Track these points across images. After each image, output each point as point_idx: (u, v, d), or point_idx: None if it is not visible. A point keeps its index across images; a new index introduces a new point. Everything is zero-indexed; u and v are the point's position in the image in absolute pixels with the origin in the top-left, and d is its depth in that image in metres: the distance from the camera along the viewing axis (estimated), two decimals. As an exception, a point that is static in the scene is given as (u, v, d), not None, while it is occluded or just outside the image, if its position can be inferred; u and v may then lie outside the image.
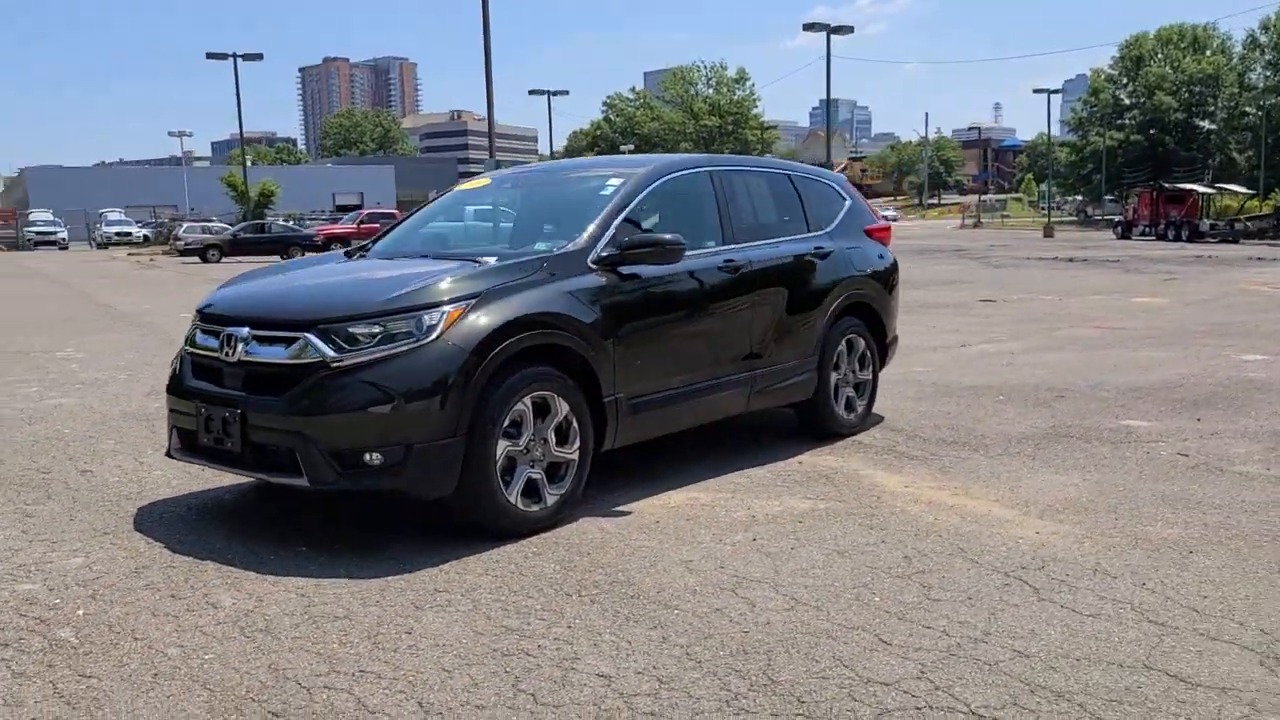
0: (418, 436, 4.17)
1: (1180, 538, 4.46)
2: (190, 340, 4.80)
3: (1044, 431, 6.58)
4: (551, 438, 4.66)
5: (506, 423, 4.43)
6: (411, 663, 3.29)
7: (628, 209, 5.24)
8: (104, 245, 59.37)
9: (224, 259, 39.85)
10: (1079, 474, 5.56)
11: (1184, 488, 5.25)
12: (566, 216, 5.39)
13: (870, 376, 6.71)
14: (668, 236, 5.04)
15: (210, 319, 4.71)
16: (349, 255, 5.81)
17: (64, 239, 58.82)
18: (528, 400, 4.51)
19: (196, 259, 40.30)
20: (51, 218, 62.58)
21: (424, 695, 3.07)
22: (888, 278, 6.93)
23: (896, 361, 8.06)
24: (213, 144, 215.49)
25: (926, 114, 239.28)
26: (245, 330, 4.45)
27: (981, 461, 5.84)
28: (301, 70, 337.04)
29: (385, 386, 4.16)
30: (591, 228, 5.07)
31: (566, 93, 64.07)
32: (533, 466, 4.59)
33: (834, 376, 6.39)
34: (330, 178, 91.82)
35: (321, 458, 4.17)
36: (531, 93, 62.39)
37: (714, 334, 5.51)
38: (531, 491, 4.58)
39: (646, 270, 5.11)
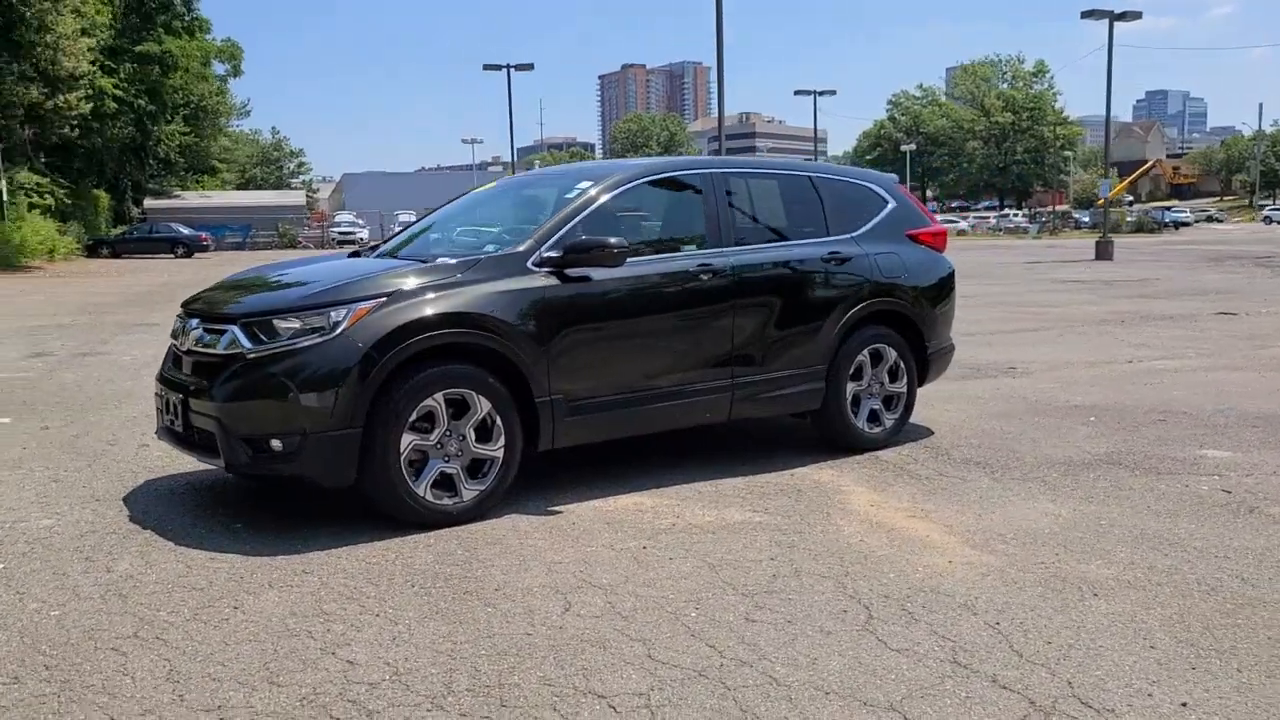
0: (312, 426, 4.44)
1: (1101, 579, 4.02)
2: (173, 330, 5.30)
3: (1091, 458, 6.02)
4: (471, 435, 4.79)
5: (415, 417, 4.61)
6: (204, 634, 3.55)
7: (585, 213, 5.29)
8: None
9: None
10: (1076, 504, 5.07)
11: (1176, 527, 4.69)
12: (529, 220, 5.50)
13: (904, 389, 6.36)
14: (611, 240, 5.05)
15: (183, 311, 5.18)
16: (353, 255, 6.19)
17: (364, 239, 64.36)
18: (439, 397, 4.67)
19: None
20: (353, 219, 68.71)
21: (181, 663, 3.31)
22: (934, 285, 6.55)
23: (1020, 374, 7.55)
24: (518, 150, 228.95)
25: (1261, 105, 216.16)
26: (195, 322, 4.89)
27: (982, 486, 5.44)
28: (601, 78, 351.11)
29: (286, 378, 4.46)
30: (537, 230, 5.16)
31: (833, 92, 63.24)
32: (447, 461, 4.74)
33: (851, 387, 6.12)
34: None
35: (235, 442, 4.52)
36: (797, 93, 62.18)
37: (681, 338, 5.45)
38: (446, 485, 4.73)
39: (599, 273, 5.14)
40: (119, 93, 46.64)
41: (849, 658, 3.31)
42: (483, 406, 4.79)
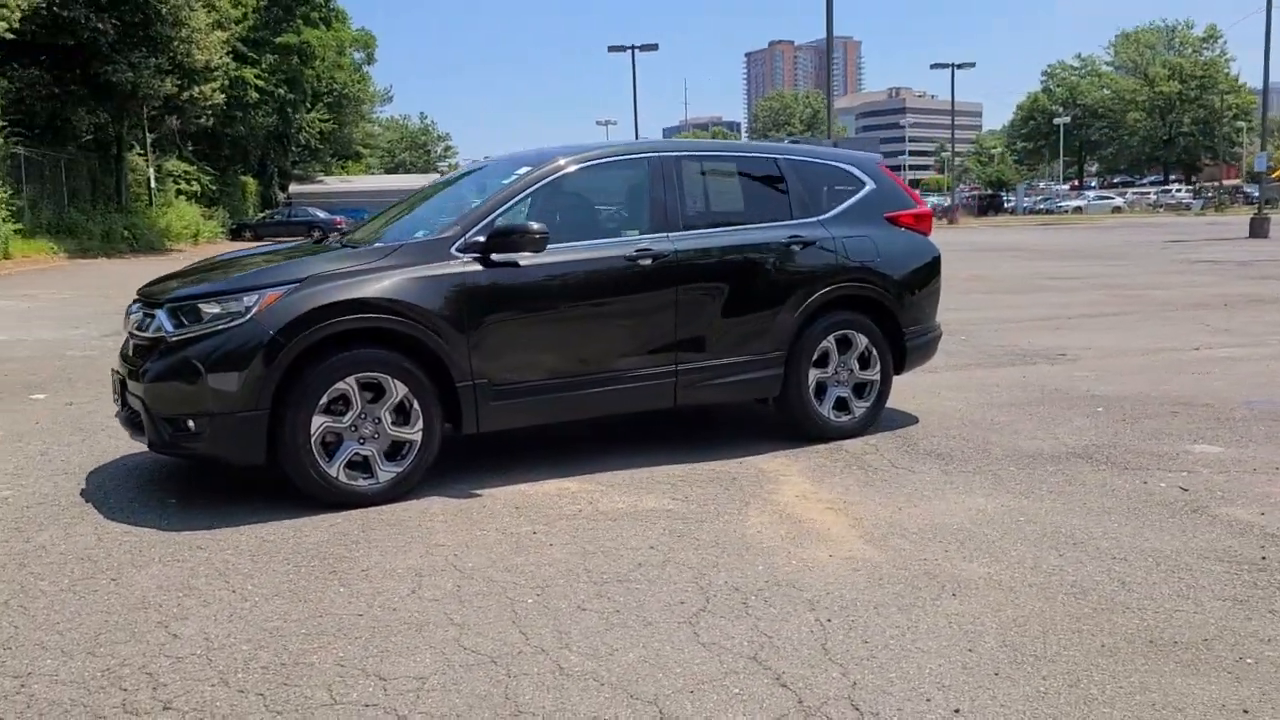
0: (220, 407, 4.62)
1: (972, 578, 3.86)
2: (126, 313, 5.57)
3: (1064, 451, 5.74)
4: (387, 418, 4.90)
5: (327, 400, 4.74)
6: (66, 604, 3.75)
7: (514, 199, 5.32)
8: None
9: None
10: (1010, 500, 4.86)
11: (1096, 525, 4.45)
12: (465, 205, 5.54)
13: (876, 377, 6.18)
14: (533, 225, 5.07)
15: (136, 295, 5.44)
16: (316, 241, 6.37)
17: None
18: (352, 380, 4.79)
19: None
20: None
21: (25, 632, 3.51)
22: (913, 269, 6.33)
23: (1063, 361, 7.26)
24: (664, 130, 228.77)
25: None
26: (137, 306, 5.14)
27: (928, 478, 5.26)
28: (747, 55, 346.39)
29: (199, 360, 4.64)
30: (462, 216, 5.23)
31: (972, 64, 61.03)
32: (363, 444, 4.86)
33: (815, 374, 5.99)
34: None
35: (159, 422, 4.75)
36: (933, 66, 60.40)
37: (617, 324, 5.43)
38: (362, 467, 4.86)
39: (527, 259, 5.17)
40: (260, 83, 48.84)
41: (649, 650, 3.28)
42: (398, 390, 4.89)
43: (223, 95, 34.50)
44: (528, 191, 5.39)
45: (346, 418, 4.82)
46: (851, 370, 6.15)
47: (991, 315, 12.34)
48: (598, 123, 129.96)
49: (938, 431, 6.26)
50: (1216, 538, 4.28)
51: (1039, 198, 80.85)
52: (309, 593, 3.82)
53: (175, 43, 29.57)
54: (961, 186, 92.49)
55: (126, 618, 3.61)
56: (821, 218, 6.10)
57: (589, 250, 5.43)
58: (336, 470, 4.79)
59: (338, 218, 53.49)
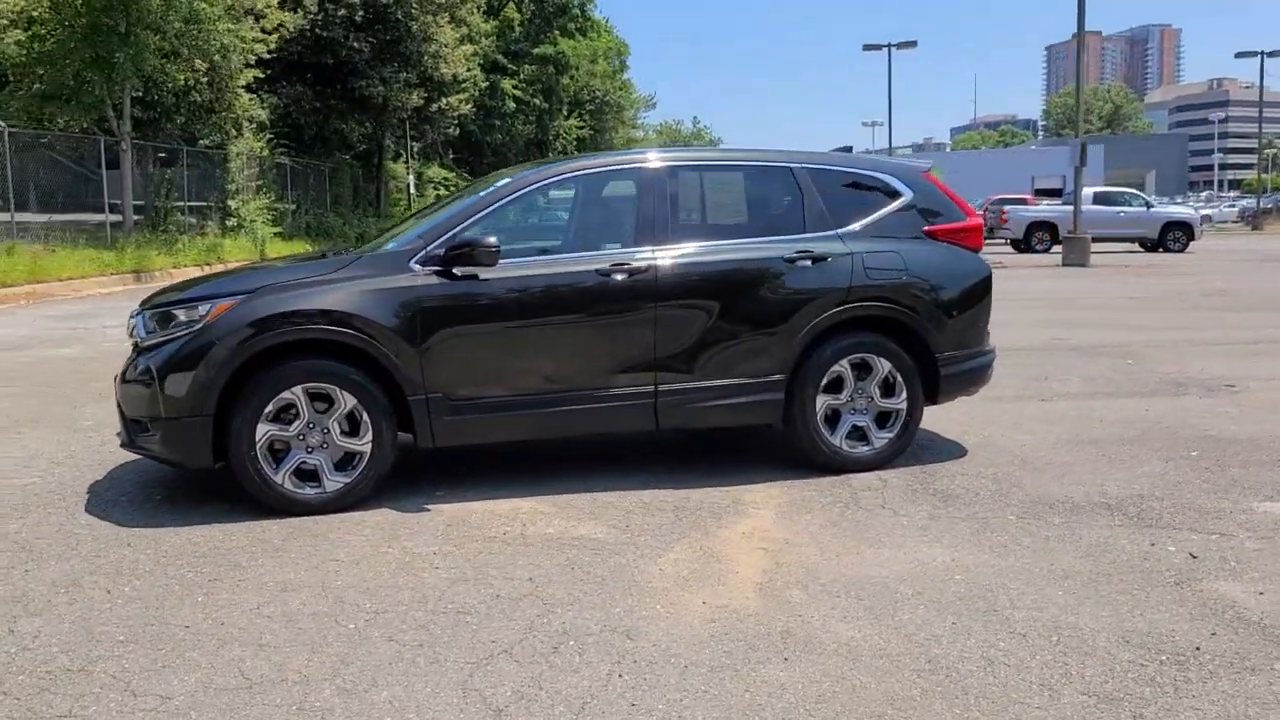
0: (168, 411, 4.82)
1: (828, 642, 3.45)
2: None
3: (1096, 501, 5.06)
4: (336, 428, 4.95)
5: (273, 409, 4.85)
6: (-40, 590, 4.02)
7: (482, 212, 5.24)
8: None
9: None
10: (970, 554, 4.32)
11: (1043, 593, 3.88)
12: (443, 216, 5.49)
13: (902, 405, 5.65)
14: (487, 239, 4.98)
15: None
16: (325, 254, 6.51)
17: None
18: (300, 390, 4.87)
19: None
20: None
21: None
22: (951, 288, 5.75)
23: (1221, 392, 6.56)
24: (951, 130, 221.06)
25: None
26: (137, 309, 5.45)
27: (911, 522, 4.76)
28: (1048, 49, 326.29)
29: (155, 365, 4.87)
30: (423, 229, 5.21)
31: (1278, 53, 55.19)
32: (310, 453, 4.94)
33: (825, 401, 5.55)
34: (1030, 160, 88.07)
35: (125, 422, 5.03)
36: (1238, 55, 55.13)
37: (589, 341, 5.23)
38: (309, 476, 4.94)
39: (490, 273, 5.09)
40: (518, 93, 51.28)
41: (405, 691, 3.13)
42: (347, 402, 4.93)
43: (469, 106, 36.40)
44: (499, 204, 5.30)
45: (294, 427, 4.90)
46: (871, 398, 5.65)
47: (1191, 336, 11.05)
48: (863, 124, 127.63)
49: (972, 469, 5.64)
50: (1170, 617, 3.60)
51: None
52: (170, 599, 3.90)
53: (424, 58, 31.48)
54: None
55: (-5, 609, 3.81)
56: (840, 231, 5.64)
57: (558, 264, 5.28)
58: (282, 478, 4.88)
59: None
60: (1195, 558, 4.22)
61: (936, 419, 6.71)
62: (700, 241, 5.50)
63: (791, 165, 5.77)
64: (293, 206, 30.27)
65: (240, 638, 3.53)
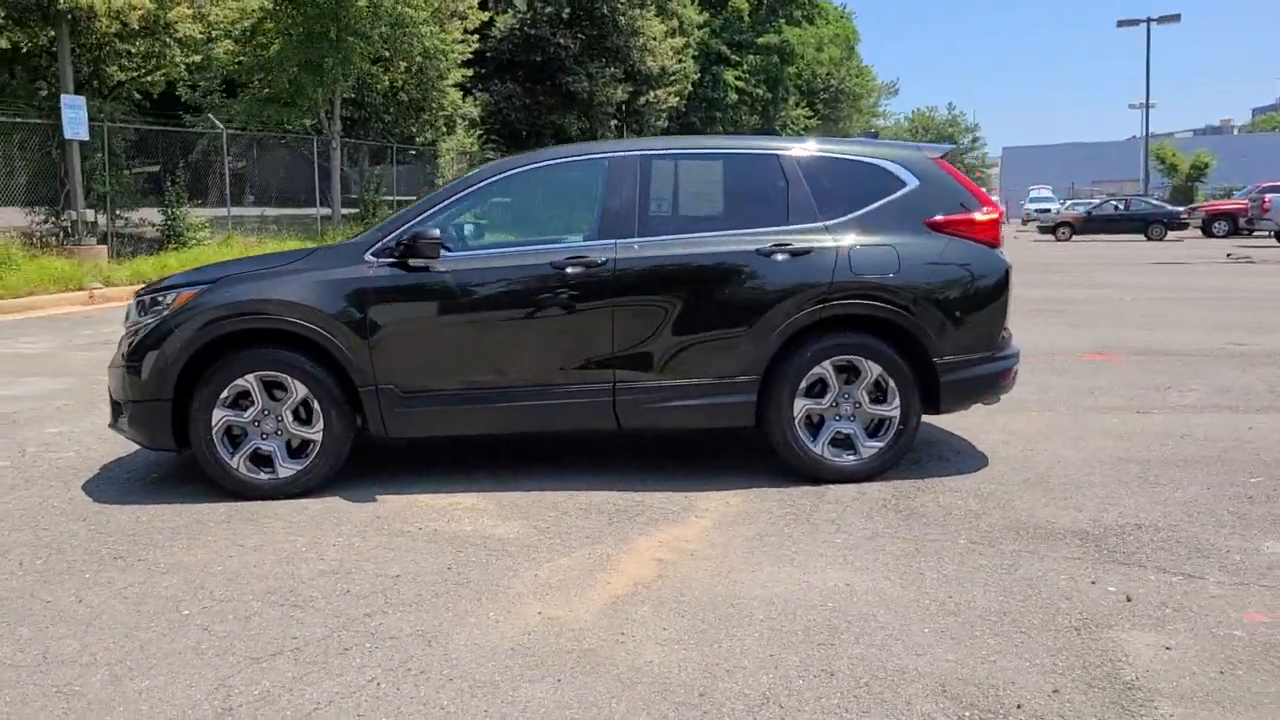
0: (133, 394, 5.09)
1: (593, 661, 3.20)
2: None
3: (1075, 529, 4.50)
4: (289, 416, 5.08)
5: (228, 395, 5.03)
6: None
7: (444, 203, 5.22)
8: (1026, 222, 61.33)
9: (1074, 236, 39.09)
10: (878, 579, 3.93)
11: (895, 627, 3.45)
12: (410, 208, 5.49)
13: (894, 413, 5.21)
14: (429, 231, 4.98)
15: None
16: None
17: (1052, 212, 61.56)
18: (253, 378, 5.02)
19: (1050, 237, 40.24)
20: (1044, 194, 66.25)
21: None
22: (953, 285, 5.24)
23: None
24: (1253, 110, 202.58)
25: None
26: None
27: (848, 541, 4.39)
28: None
29: (128, 350, 5.15)
30: (388, 221, 5.24)
31: None
32: (265, 439, 5.09)
33: (804, 405, 5.19)
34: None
35: (111, 404, 5.36)
36: None
37: (539, 335, 5.11)
38: (263, 461, 5.09)
39: (443, 265, 5.08)
40: (740, 84, 51.10)
41: (115, 673, 3.14)
42: (299, 390, 5.04)
43: (678, 99, 36.58)
44: (460, 195, 5.27)
45: (248, 413, 5.06)
46: (858, 403, 5.23)
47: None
48: (1130, 106, 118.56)
49: (970, 486, 5.13)
50: (1025, 668, 3.13)
51: None
52: (62, 575, 4.10)
53: (631, 51, 31.90)
54: None
55: (-84, 573, 4.14)
56: (827, 223, 5.24)
57: (513, 257, 5.19)
58: (237, 462, 5.05)
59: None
60: (1130, 600, 3.65)
61: (987, 427, 6.23)
62: (669, 234, 5.25)
63: (779, 153, 5.41)
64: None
65: (77, 616, 3.67)
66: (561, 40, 30.36)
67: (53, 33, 15.92)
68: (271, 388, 5.05)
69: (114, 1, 15.04)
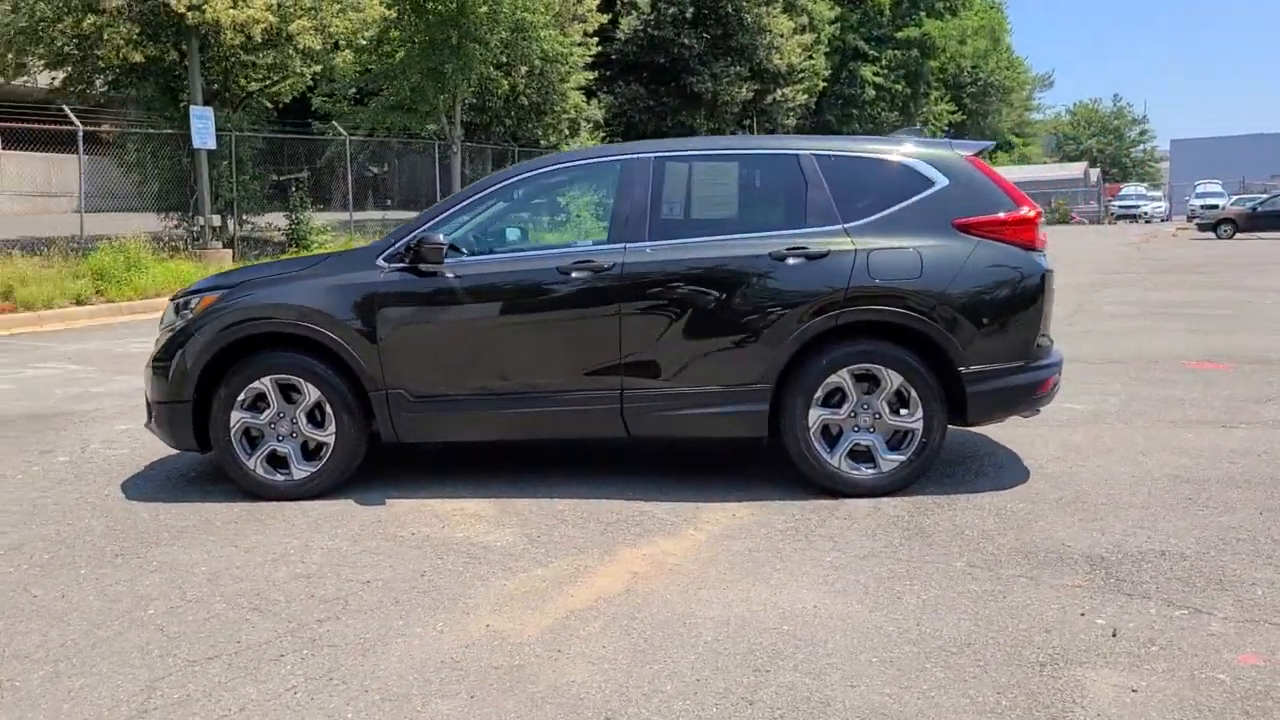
0: (160, 396, 5.25)
1: (520, 679, 3.12)
2: None
3: (1094, 554, 4.19)
4: (303, 419, 5.16)
5: (245, 398, 5.14)
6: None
7: (456, 207, 5.24)
8: (1190, 218, 58.18)
9: (1237, 234, 36.81)
10: (854, 605, 3.72)
11: (850, 659, 3.26)
12: (428, 211, 5.49)
13: (917, 424, 4.96)
14: (434, 236, 4.98)
15: None
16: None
17: (1149, 213, 59.07)
18: (269, 381, 5.12)
19: (1210, 235, 38.02)
20: (1143, 191, 63.67)
21: None
22: (986, 291, 4.95)
23: None
24: None
25: None
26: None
27: (838, 561, 4.20)
28: None
29: (154, 353, 5.33)
30: (405, 226, 5.28)
31: None
32: (281, 441, 5.19)
33: (820, 415, 4.99)
34: None
35: (146, 405, 5.55)
36: None
37: (546, 340, 5.05)
38: (279, 463, 5.19)
39: (452, 269, 5.08)
40: (878, 80, 50.06)
41: (54, 670, 3.22)
42: (312, 394, 5.12)
43: (806, 96, 36.04)
44: (473, 200, 5.27)
45: (265, 415, 5.16)
46: (878, 414, 4.99)
47: None
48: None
49: (995, 504, 4.84)
50: (955, 708, 2.89)
51: None
52: (61, 570, 4.26)
53: (758, 49, 31.59)
54: None
55: (-65, 564, 4.37)
56: (847, 225, 5.02)
57: (520, 261, 5.15)
58: (254, 463, 5.16)
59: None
60: (1115, 635, 3.35)
61: (1046, 440, 5.97)
62: (681, 238, 5.12)
63: (799, 153, 5.21)
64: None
65: (54, 611, 3.79)
66: (686, 40, 30.30)
67: (184, 47, 16.80)
68: (287, 390, 5.14)
69: (238, 16, 15.74)
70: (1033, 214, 5.06)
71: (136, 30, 16.12)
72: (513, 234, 5.54)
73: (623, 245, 5.04)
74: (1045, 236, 5.31)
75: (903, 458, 4.98)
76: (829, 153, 5.21)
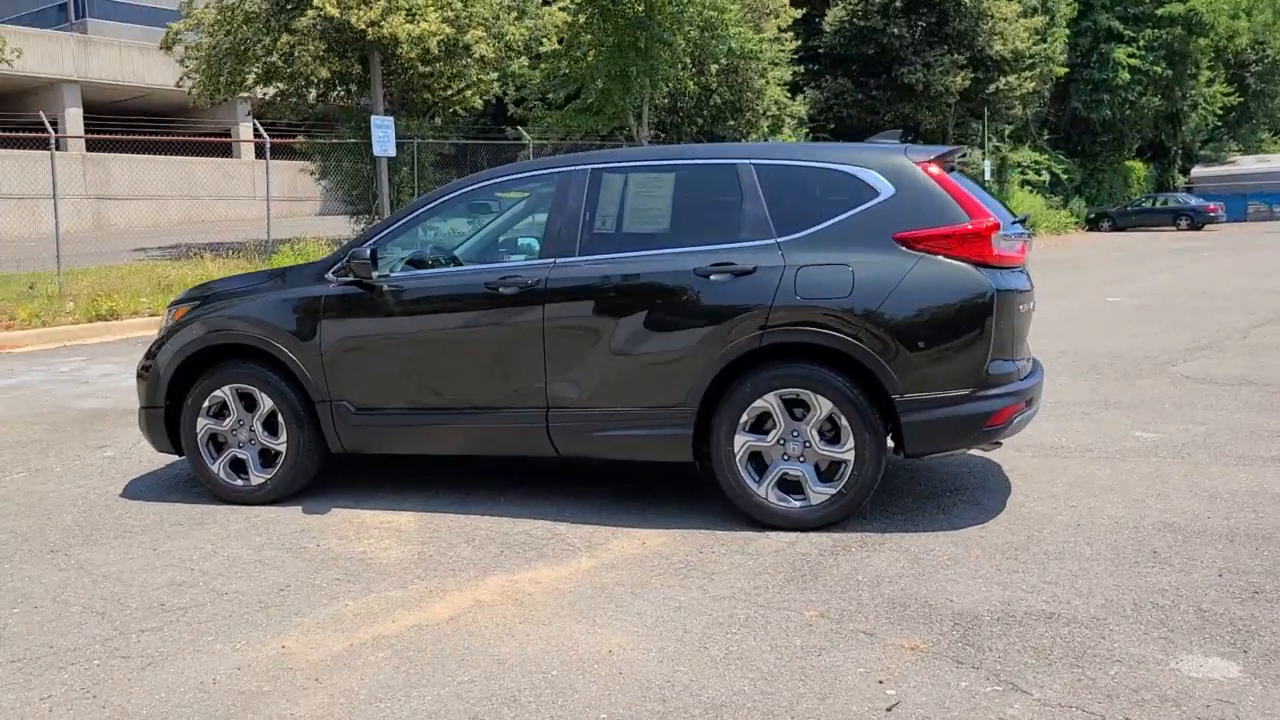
0: (139, 401, 5.62)
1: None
2: None
3: (974, 614, 3.73)
4: (258, 427, 5.38)
5: (209, 405, 5.42)
6: (-72, 531, 5.18)
7: (398, 224, 5.29)
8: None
9: None
10: (638, 654, 3.51)
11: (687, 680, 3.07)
12: (375, 226, 5.56)
13: (848, 455, 4.59)
14: (363, 252, 5.05)
15: None
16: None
17: None
18: (229, 390, 5.37)
19: None
20: None
21: None
22: (924, 312, 4.51)
23: None
24: None
25: None
26: None
27: (679, 602, 3.96)
28: None
29: (141, 359, 5.70)
30: (356, 240, 5.39)
31: None
32: (240, 448, 5.43)
33: (746, 441, 4.70)
34: None
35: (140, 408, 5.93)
36: None
37: (475, 356, 5.01)
38: (241, 468, 5.45)
39: (389, 284, 5.15)
40: (1134, 62, 46.27)
41: None
42: (266, 403, 5.33)
43: (1035, 83, 33.82)
44: (414, 215, 5.30)
45: (226, 422, 5.42)
46: (807, 443, 4.65)
47: None
48: None
49: (924, 547, 4.41)
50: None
51: None
52: (29, 563, 4.55)
53: (978, 36, 30.03)
54: None
55: (-89, 549, 4.86)
56: (781, 240, 4.70)
57: (452, 276, 5.14)
58: (218, 468, 5.43)
59: (1211, 204, 48.32)
60: (889, 711, 2.97)
61: (1060, 474, 5.45)
62: (611, 253, 4.95)
63: (737, 162, 4.90)
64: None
65: (-49, 603, 4.13)
66: (895, 30, 29.18)
67: (368, 60, 17.89)
68: (247, 399, 5.36)
69: (414, 30, 16.56)
70: (984, 227, 4.54)
71: (324, 47, 17.28)
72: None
73: (553, 260, 4.94)
74: (1020, 252, 4.77)
75: (833, 490, 4.61)
76: (770, 162, 4.88)
